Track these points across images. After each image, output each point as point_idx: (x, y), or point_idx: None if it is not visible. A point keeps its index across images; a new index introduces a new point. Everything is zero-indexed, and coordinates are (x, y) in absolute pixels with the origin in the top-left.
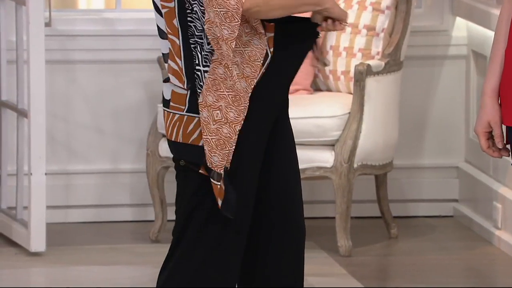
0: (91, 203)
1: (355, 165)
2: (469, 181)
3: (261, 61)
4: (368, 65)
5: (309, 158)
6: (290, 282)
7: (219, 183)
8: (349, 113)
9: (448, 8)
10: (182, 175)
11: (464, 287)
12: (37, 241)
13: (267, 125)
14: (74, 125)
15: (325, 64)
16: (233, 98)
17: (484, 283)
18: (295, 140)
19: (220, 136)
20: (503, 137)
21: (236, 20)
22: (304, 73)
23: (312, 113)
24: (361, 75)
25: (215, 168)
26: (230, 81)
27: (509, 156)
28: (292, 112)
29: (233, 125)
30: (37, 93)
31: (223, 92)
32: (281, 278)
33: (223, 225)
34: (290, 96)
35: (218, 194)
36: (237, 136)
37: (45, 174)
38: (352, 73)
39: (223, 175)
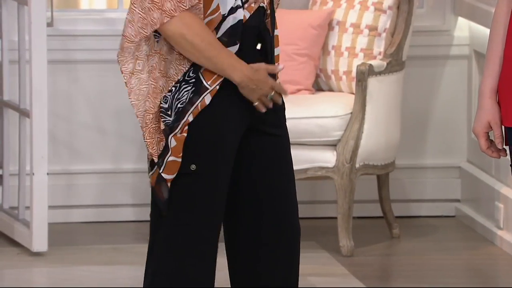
0: (93, 203)
1: (357, 165)
2: (471, 181)
3: (187, 67)
4: (370, 65)
5: (311, 158)
6: (283, 282)
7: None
8: (351, 113)
9: (450, 8)
10: None
11: (466, 287)
12: (39, 241)
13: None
14: (76, 125)
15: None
16: (154, 89)
17: (486, 283)
18: (298, 140)
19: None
20: (503, 137)
21: (146, 32)
22: (306, 73)
23: (314, 113)
24: (363, 75)
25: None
26: (158, 73)
27: (506, 156)
28: (294, 112)
29: (146, 115)
30: (39, 93)
31: (148, 80)
32: (275, 279)
33: (196, 219)
34: (292, 96)
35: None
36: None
37: (47, 174)
38: (354, 73)
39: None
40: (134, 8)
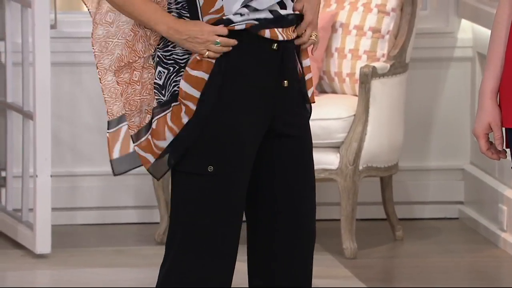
0: (96, 205)
1: (360, 167)
2: (475, 183)
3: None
4: (374, 67)
5: (314, 160)
6: (296, 282)
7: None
8: (354, 115)
9: (453, 10)
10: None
11: None
12: (43, 243)
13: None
14: (80, 127)
15: None
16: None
17: (490, 285)
18: None
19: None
20: (503, 139)
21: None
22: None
23: (318, 115)
24: (367, 77)
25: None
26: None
27: (506, 158)
28: None
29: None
30: (42, 95)
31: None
32: (289, 278)
33: (213, 219)
34: None
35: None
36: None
37: (51, 176)
38: (357, 75)
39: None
40: None
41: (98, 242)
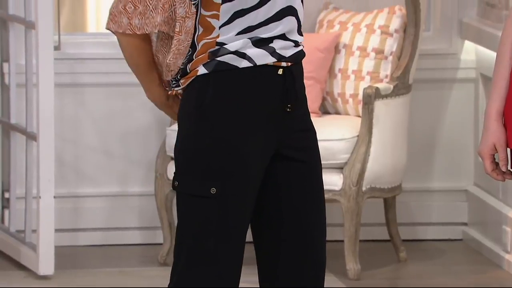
0: (100, 226)
1: (363, 188)
2: (478, 204)
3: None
4: (377, 88)
5: None
6: None
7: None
8: (358, 136)
9: (456, 32)
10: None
11: None
12: (46, 265)
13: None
14: (83, 148)
15: None
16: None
17: None
18: None
19: None
20: (508, 160)
21: (110, 27)
22: (313, 96)
23: (321, 136)
24: (370, 98)
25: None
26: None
27: (510, 179)
28: None
29: None
30: (46, 116)
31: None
32: None
33: (216, 241)
34: None
35: None
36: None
37: (54, 197)
38: (360, 96)
39: None
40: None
41: (101, 263)
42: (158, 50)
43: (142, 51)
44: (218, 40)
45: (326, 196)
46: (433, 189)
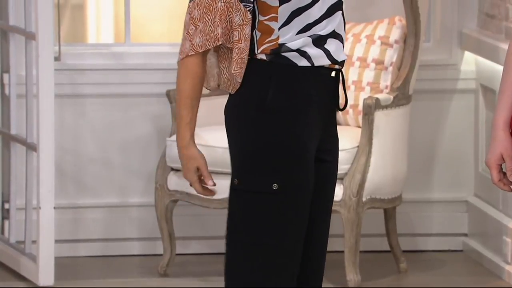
0: (100, 237)
1: (364, 199)
2: (479, 215)
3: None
4: (377, 99)
5: None
6: None
7: None
8: (358, 146)
9: (456, 42)
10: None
11: None
12: (46, 276)
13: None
14: (83, 158)
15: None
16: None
17: None
18: None
19: None
20: None
21: (180, 55)
22: None
23: None
24: (370, 109)
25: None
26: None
27: None
28: None
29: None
30: (46, 127)
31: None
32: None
33: (279, 238)
34: None
35: None
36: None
37: (54, 208)
38: (360, 107)
39: None
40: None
41: (101, 274)
42: (217, 65)
43: (200, 70)
44: (280, 41)
45: None
46: (433, 199)
